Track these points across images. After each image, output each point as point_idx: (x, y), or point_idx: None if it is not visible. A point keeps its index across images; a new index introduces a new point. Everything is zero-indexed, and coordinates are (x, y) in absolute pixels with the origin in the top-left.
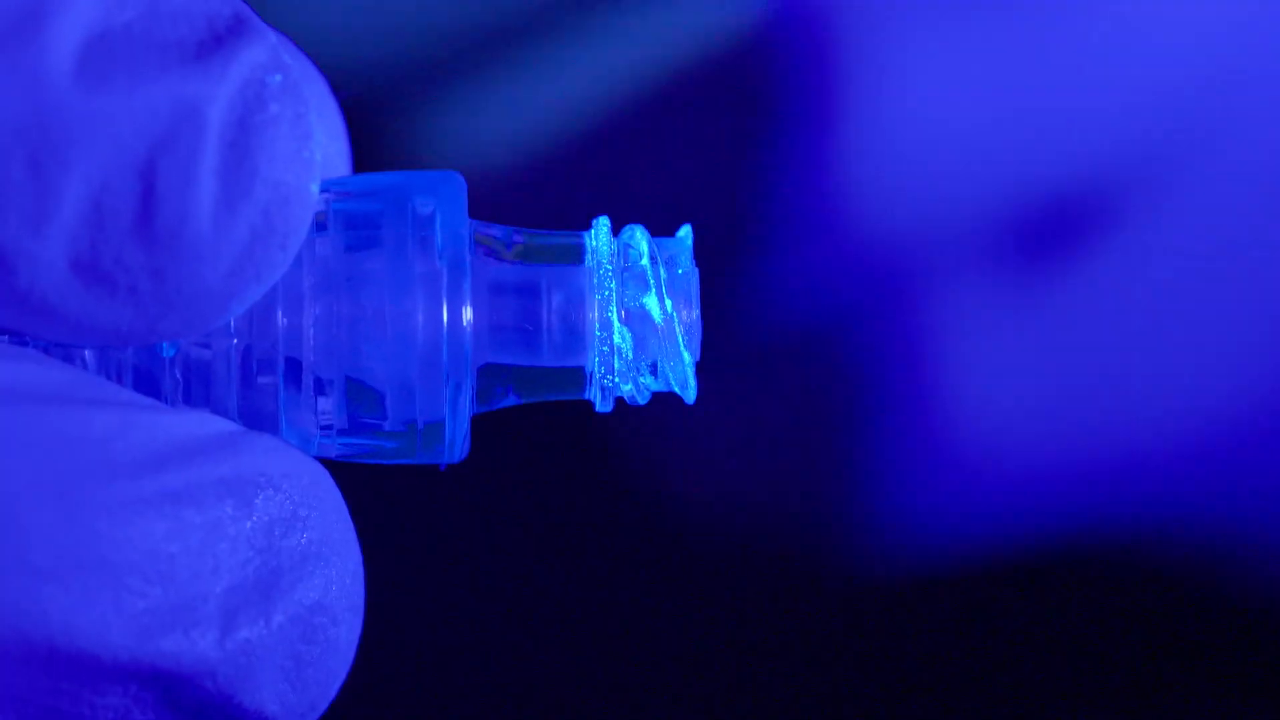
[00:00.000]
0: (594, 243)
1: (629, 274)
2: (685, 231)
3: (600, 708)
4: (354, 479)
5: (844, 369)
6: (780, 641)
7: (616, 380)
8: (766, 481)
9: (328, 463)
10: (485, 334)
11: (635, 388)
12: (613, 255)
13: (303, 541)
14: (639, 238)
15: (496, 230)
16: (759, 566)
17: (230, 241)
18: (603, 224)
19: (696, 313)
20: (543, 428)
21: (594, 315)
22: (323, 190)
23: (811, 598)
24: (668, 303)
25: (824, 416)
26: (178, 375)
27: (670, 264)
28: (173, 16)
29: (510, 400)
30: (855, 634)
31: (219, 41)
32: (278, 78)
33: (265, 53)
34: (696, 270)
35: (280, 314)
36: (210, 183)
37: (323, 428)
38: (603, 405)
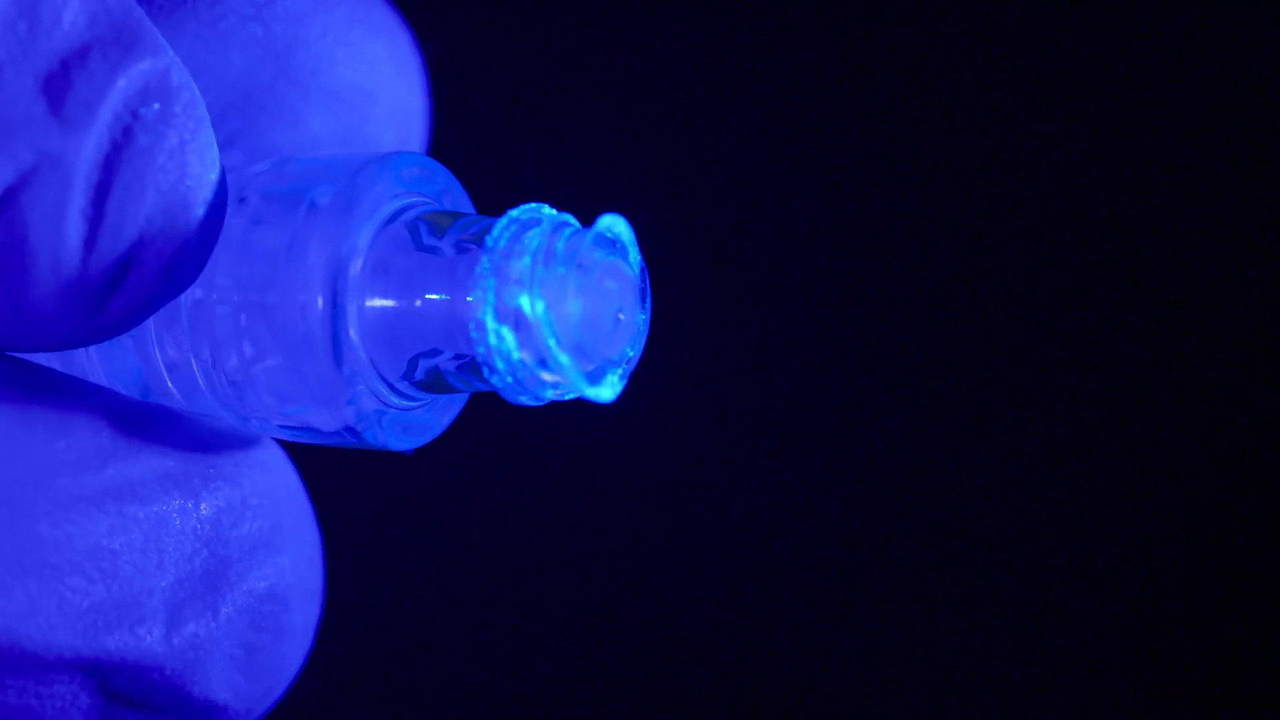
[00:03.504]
0: (490, 237)
1: (509, 276)
2: (607, 221)
3: (570, 693)
4: (330, 464)
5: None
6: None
7: (509, 379)
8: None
9: (292, 449)
10: (413, 323)
11: (536, 385)
12: (503, 251)
13: (253, 530)
14: (532, 234)
15: (445, 218)
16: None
17: (106, 280)
18: (505, 217)
19: (578, 307)
20: (525, 415)
21: (469, 314)
22: (279, 166)
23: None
24: (539, 304)
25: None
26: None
27: (567, 258)
28: (49, 55)
29: (457, 390)
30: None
31: (92, 76)
32: (155, 107)
33: (144, 80)
34: (610, 264)
35: (191, 294)
36: (79, 228)
37: (243, 406)
38: (513, 399)
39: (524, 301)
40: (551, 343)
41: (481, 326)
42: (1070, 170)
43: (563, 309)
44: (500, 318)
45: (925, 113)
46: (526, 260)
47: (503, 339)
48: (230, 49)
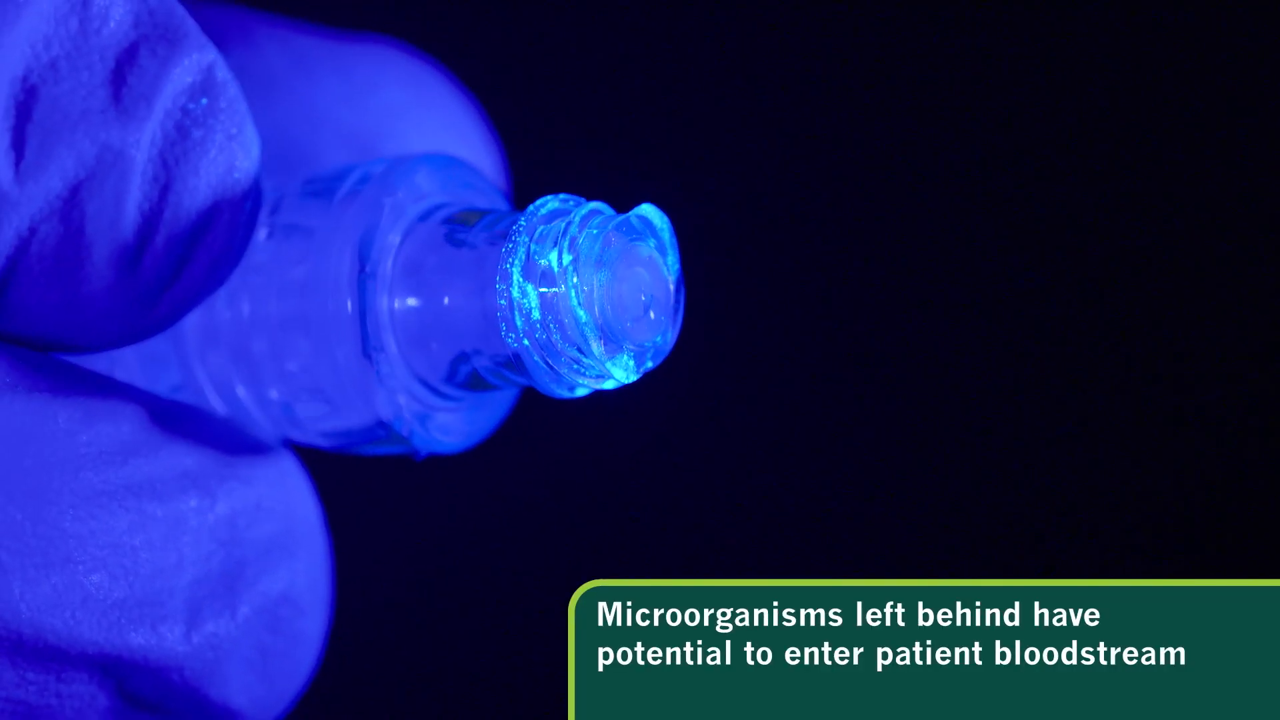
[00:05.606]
0: (530, 208)
1: (545, 237)
2: (644, 210)
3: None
4: (333, 471)
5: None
6: None
7: (525, 342)
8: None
9: (305, 452)
10: (446, 316)
11: (552, 353)
12: (540, 218)
13: (267, 532)
14: (575, 217)
15: (476, 216)
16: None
17: (160, 270)
18: (544, 198)
19: (604, 276)
20: (540, 430)
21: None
22: (315, 175)
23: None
24: (566, 257)
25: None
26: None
27: (600, 229)
28: (101, 50)
29: (499, 386)
30: None
31: (144, 71)
32: (204, 101)
33: (193, 76)
34: (643, 252)
35: (225, 294)
36: (135, 221)
37: (283, 414)
38: (542, 386)
39: (552, 257)
40: (574, 298)
41: (507, 277)
42: (1118, 170)
43: (590, 275)
44: (527, 274)
45: (958, 115)
46: (560, 224)
47: (525, 294)
48: (319, 130)
